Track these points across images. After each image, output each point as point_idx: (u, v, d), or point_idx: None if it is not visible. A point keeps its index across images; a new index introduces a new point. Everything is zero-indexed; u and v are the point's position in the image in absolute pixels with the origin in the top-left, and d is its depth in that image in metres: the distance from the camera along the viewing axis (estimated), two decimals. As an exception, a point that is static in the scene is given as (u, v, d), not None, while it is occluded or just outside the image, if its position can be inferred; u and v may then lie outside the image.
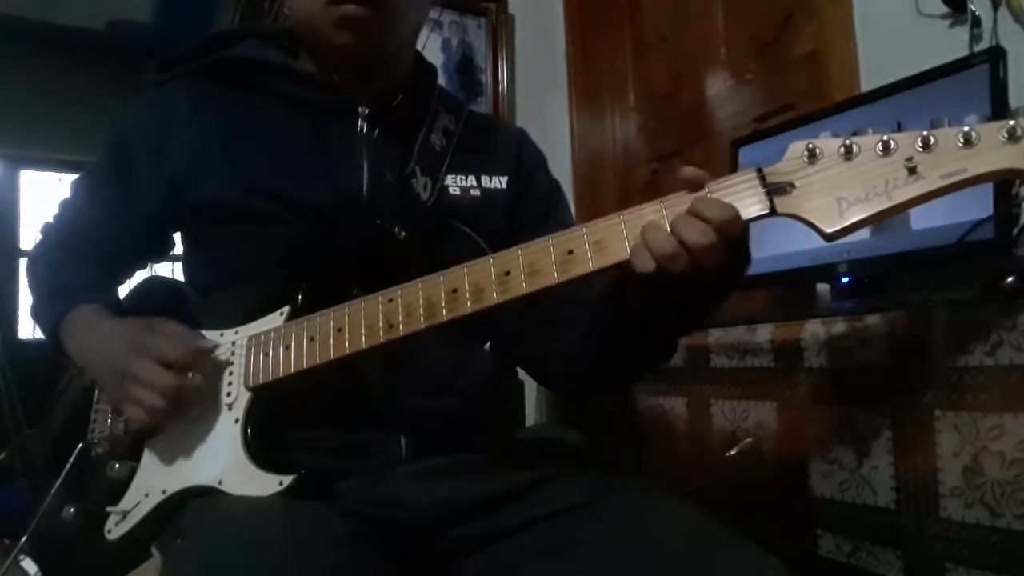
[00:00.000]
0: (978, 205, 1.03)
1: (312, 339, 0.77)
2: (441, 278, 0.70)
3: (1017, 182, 1.11)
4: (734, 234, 0.61)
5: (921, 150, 0.55)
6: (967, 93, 1.08)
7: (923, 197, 0.55)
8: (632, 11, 2.29)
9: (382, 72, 0.93)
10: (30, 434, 2.93)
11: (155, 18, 4.07)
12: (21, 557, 0.91)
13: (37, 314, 0.94)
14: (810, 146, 0.59)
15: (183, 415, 0.80)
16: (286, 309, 0.81)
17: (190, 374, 0.79)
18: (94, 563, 0.85)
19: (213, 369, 0.81)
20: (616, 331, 0.75)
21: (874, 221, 0.56)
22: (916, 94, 1.15)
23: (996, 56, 1.06)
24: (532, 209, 0.97)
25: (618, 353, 0.78)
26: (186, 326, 0.83)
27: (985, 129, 0.54)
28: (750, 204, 0.61)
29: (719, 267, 0.61)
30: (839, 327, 0.99)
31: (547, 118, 2.37)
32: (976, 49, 1.27)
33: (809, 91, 1.67)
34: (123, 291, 1.00)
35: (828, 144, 0.59)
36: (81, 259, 0.95)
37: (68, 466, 0.87)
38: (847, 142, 0.58)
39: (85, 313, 0.89)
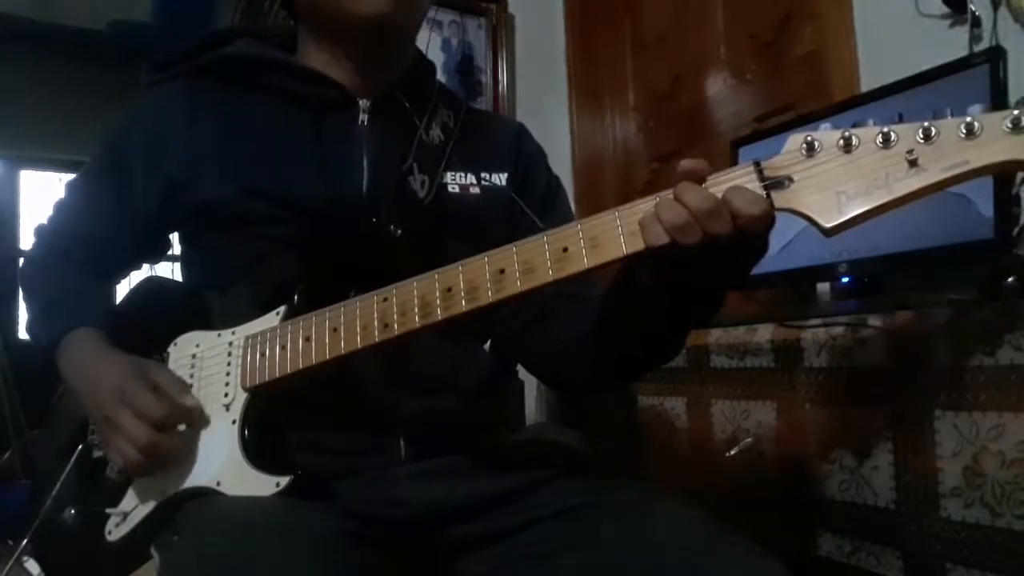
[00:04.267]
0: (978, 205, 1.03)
1: (308, 339, 0.76)
2: (436, 276, 0.69)
3: (1017, 182, 1.10)
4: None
5: (922, 141, 0.54)
6: (967, 93, 1.08)
7: (924, 190, 0.53)
8: (632, 11, 2.29)
9: (384, 64, 0.92)
10: (31, 436, 2.93)
11: (155, 18, 4.07)
12: (24, 558, 0.91)
13: (33, 330, 0.92)
14: (808, 139, 0.58)
15: (163, 464, 0.79)
16: (282, 309, 0.80)
17: (180, 426, 0.78)
18: (96, 564, 0.84)
19: (197, 424, 0.80)
20: (625, 325, 0.74)
21: (874, 215, 0.55)
22: (916, 94, 1.15)
23: (996, 56, 1.06)
24: (531, 204, 0.97)
25: (624, 348, 0.77)
26: (178, 377, 0.82)
27: (988, 119, 0.52)
28: None
29: (729, 243, 0.58)
30: (839, 327, 0.98)
31: (547, 118, 2.37)
32: (976, 49, 1.27)
33: (809, 91, 1.67)
34: (122, 290, 1.00)
35: (827, 137, 0.57)
36: (76, 264, 0.93)
37: (68, 468, 0.87)
38: (846, 134, 0.56)
39: (81, 340, 0.86)
